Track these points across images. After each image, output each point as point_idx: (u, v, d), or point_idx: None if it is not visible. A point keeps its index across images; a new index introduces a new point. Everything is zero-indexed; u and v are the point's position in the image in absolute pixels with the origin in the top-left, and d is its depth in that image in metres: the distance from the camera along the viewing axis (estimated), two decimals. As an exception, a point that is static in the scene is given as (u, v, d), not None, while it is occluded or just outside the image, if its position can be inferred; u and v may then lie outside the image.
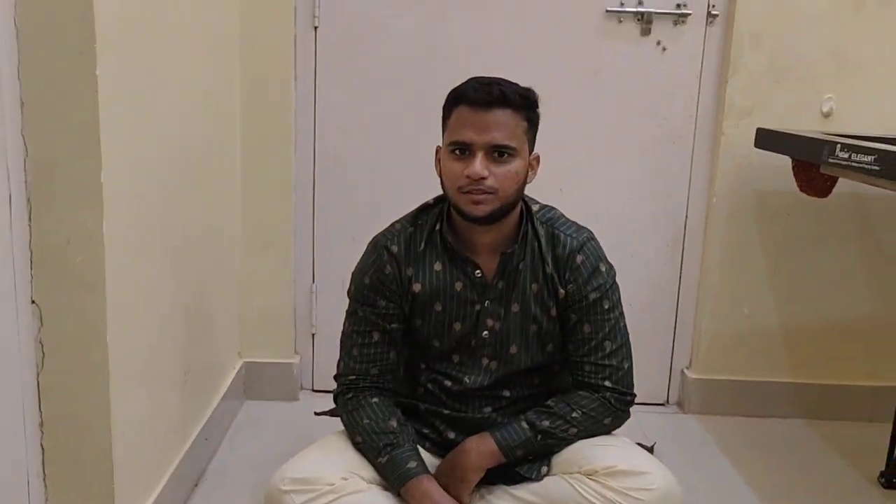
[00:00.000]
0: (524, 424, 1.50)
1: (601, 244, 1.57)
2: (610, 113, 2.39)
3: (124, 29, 1.40)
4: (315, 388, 2.54)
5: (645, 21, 2.31)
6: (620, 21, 2.32)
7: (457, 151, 1.44)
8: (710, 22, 2.33)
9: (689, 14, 2.31)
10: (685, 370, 2.56)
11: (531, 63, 2.30)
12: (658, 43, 2.33)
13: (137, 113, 1.49)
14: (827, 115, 2.33)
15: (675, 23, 2.32)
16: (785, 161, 2.18)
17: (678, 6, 2.31)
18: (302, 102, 2.37)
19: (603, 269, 1.54)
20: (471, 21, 2.33)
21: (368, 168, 2.41)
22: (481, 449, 1.49)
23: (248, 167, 2.34)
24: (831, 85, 2.32)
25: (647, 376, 2.49)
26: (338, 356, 1.61)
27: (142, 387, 1.58)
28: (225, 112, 2.19)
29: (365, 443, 1.50)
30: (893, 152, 1.59)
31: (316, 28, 2.33)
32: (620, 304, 1.57)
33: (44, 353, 1.34)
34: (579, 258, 1.53)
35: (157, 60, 1.61)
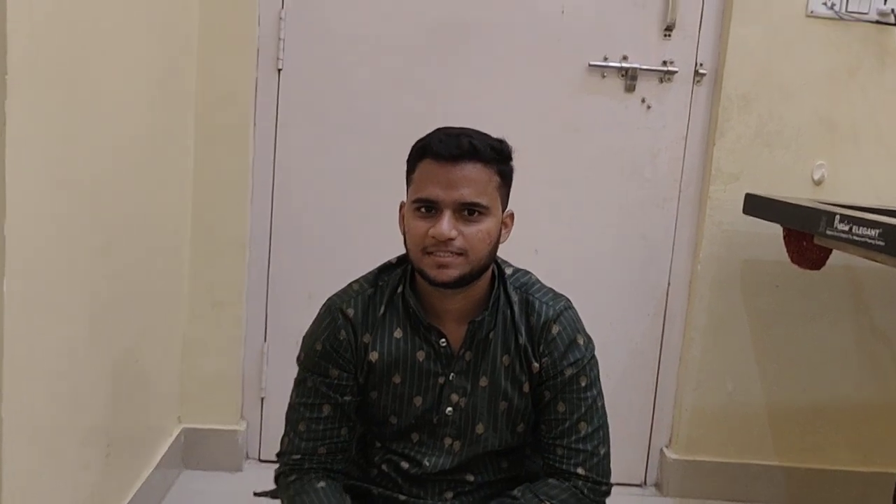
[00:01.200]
0: None
1: (576, 307, 1.44)
2: (591, 172, 2.29)
3: (46, 60, 1.27)
4: (262, 458, 2.38)
5: (629, 77, 2.22)
6: (604, 76, 2.23)
7: (422, 209, 1.31)
8: (698, 81, 2.25)
9: (676, 72, 2.23)
10: (664, 449, 2.43)
11: (508, 117, 2.19)
12: (643, 100, 2.24)
13: (56, 155, 1.35)
14: (818, 183, 2.25)
15: (661, 80, 2.24)
16: (774, 229, 2.09)
17: (664, 63, 2.23)
18: (261, 151, 2.25)
19: (581, 341, 1.41)
20: (445, 71, 2.23)
21: (330, 223, 2.28)
22: (438, 544, 1.33)
23: (199, 221, 2.22)
24: (822, 151, 2.25)
25: (623, 455, 2.37)
26: (288, 423, 1.46)
27: (46, 464, 1.41)
28: (174, 159, 2.07)
29: (307, 534, 1.33)
30: (901, 225, 1.46)
31: (280, 71, 2.22)
32: (599, 381, 1.44)
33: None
34: (555, 329, 1.40)
35: (88, 99, 1.48)
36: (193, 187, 2.19)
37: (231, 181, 2.21)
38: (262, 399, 2.36)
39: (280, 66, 2.20)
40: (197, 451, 2.29)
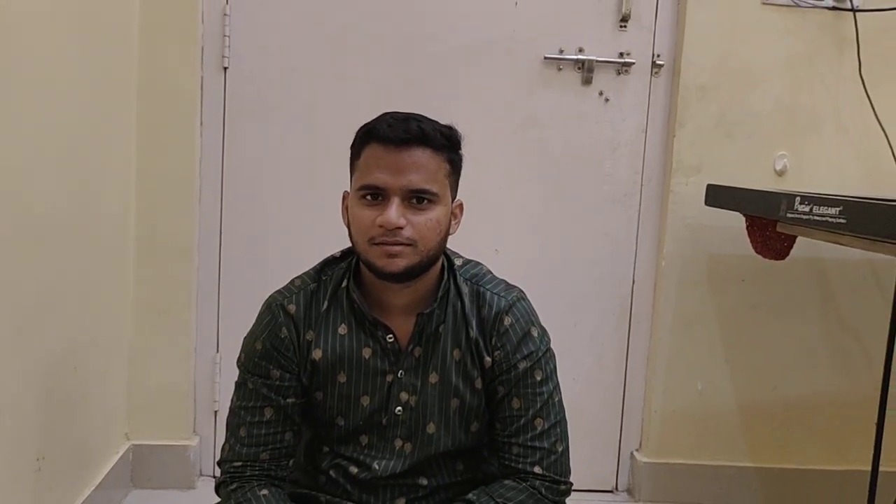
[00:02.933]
0: None
1: (538, 310, 1.38)
2: (549, 168, 2.24)
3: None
4: (216, 475, 2.25)
5: (586, 70, 2.18)
6: (560, 69, 2.19)
7: (368, 197, 1.25)
8: (655, 72, 2.22)
9: (633, 63, 2.20)
10: (635, 453, 2.38)
11: (462, 112, 2.11)
12: (600, 93, 2.20)
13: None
14: (781, 174, 2.22)
15: (619, 72, 2.20)
16: (738, 222, 2.06)
17: (621, 55, 2.19)
18: (208, 151, 2.18)
19: (535, 333, 1.35)
20: (395, 65, 2.18)
21: (284, 223, 2.22)
22: (389, 554, 1.25)
23: (143, 223, 2.15)
24: (784, 141, 2.23)
25: (592, 460, 2.36)
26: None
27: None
28: (114, 159, 2.00)
29: (249, 545, 1.26)
30: (862, 202, 1.43)
31: (226, 69, 2.16)
32: (556, 375, 1.38)
33: None
34: (507, 320, 1.34)
35: (11, 92, 1.40)
36: (136, 189, 2.12)
37: (177, 182, 2.14)
38: (216, 412, 2.28)
39: (226, 65, 2.15)
40: (146, 468, 2.21)
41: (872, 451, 1.89)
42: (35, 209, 1.57)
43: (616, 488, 2.40)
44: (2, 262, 1.42)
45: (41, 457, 1.61)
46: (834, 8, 2.16)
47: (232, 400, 1.37)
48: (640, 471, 2.33)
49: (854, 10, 2.14)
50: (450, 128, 1.28)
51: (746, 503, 2.34)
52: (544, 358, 1.34)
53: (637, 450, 2.38)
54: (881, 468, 1.87)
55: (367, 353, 1.32)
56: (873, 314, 2.28)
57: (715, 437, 2.33)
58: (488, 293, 1.34)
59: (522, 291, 1.38)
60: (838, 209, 1.47)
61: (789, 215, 1.64)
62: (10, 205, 1.46)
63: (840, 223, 1.46)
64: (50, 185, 1.63)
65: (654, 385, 2.31)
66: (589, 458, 2.33)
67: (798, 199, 1.61)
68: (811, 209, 1.55)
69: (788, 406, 2.33)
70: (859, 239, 1.54)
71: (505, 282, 1.38)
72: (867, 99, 2.16)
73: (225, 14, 2.13)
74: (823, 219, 1.51)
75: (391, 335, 1.31)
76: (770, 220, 1.89)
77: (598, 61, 2.18)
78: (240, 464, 1.33)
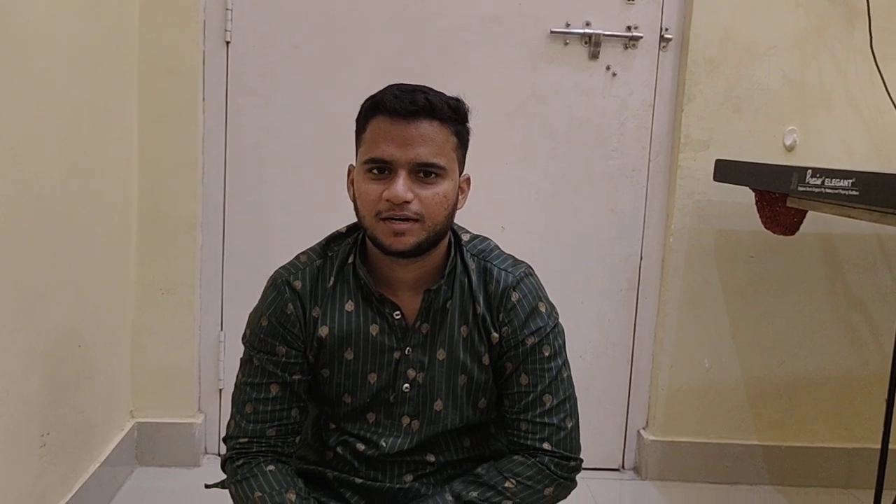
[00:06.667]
0: (448, 497, 1.27)
1: (545, 286, 1.36)
2: (556, 143, 2.21)
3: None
4: (221, 453, 2.26)
5: (593, 44, 2.15)
6: (566, 43, 2.16)
7: (374, 171, 1.22)
8: (664, 46, 2.18)
9: (641, 37, 2.16)
10: (641, 431, 2.36)
11: (468, 88, 2.06)
12: (608, 68, 2.17)
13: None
14: (790, 149, 2.19)
15: (626, 46, 2.17)
16: (747, 198, 2.04)
17: (629, 28, 2.16)
18: (211, 129, 2.16)
19: (543, 309, 1.33)
20: (400, 41, 2.15)
21: (287, 201, 2.19)
22: (398, 529, 1.25)
23: (146, 201, 2.12)
24: (793, 116, 2.20)
25: (599, 438, 2.35)
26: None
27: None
28: (115, 135, 1.97)
29: (256, 521, 1.24)
30: (874, 174, 1.40)
31: (228, 44, 2.12)
32: (564, 351, 1.36)
33: None
34: (515, 296, 1.31)
35: (19, 75, 1.40)
36: (139, 166, 2.10)
37: (180, 159, 2.12)
38: (220, 391, 2.27)
39: (228, 39, 2.12)
40: (151, 446, 2.20)
41: (882, 429, 1.87)
42: (37, 188, 1.55)
43: (623, 466, 2.39)
44: (5, 240, 1.40)
45: (46, 433, 1.60)
46: (845, -20, 2.13)
47: (237, 376, 1.35)
48: (647, 449, 2.32)
49: (866, -17, 2.11)
50: (457, 100, 1.25)
51: (753, 481, 2.33)
52: (552, 334, 1.32)
53: (643, 428, 2.37)
54: (890, 446, 1.85)
55: (374, 330, 1.30)
56: (882, 290, 2.26)
57: (722, 414, 2.32)
58: (496, 269, 1.32)
59: (530, 267, 1.36)
60: (851, 181, 1.45)
61: (800, 189, 1.62)
62: (11, 183, 1.45)
63: (852, 195, 1.44)
64: (51, 163, 1.61)
65: (660, 362, 2.30)
66: (595, 436, 2.32)
67: (809, 171, 1.59)
68: (823, 182, 1.53)
69: (796, 383, 2.31)
70: (871, 212, 1.52)
71: (513, 257, 1.36)
72: (878, 73, 2.13)
73: (227, -13, 2.10)
74: (836, 191, 1.49)
75: (398, 312, 1.29)
76: (780, 195, 1.87)
77: (605, 35, 2.15)
78: (246, 440, 1.32)
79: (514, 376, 1.31)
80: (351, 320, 1.30)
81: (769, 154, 2.18)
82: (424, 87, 1.24)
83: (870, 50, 2.13)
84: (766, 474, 2.33)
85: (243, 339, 1.35)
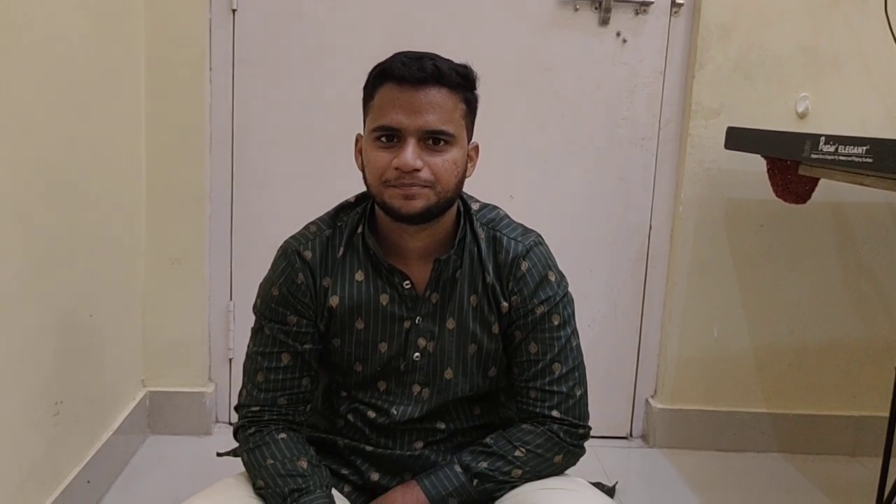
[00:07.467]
0: (457, 468, 1.28)
1: (554, 254, 1.36)
2: (565, 111, 2.20)
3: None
4: (232, 422, 2.28)
5: (603, 10, 2.13)
6: (576, 9, 2.14)
7: (383, 138, 1.21)
8: (675, 12, 2.16)
9: (652, 3, 2.14)
10: (650, 399, 2.37)
11: (476, 55, 2.00)
12: (618, 34, 2.15)
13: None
14: (802, 116, 2.17)
15: (637, 12, 2.14)
16: (758, 167, 2.02)
17: (640, -7, 2.13)
18: (218, 98, 2.15)
19: (552, 278, 1.32)
20: (408, 8, 2.13)
21: (296, 169, 2.19)
22: (406, 500, 1.26)
23: (154, 170, 2.12)
24: (806, 82, 2.18)
25: (607, 406, 2.36)
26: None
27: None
28: (123, 103, 1.96)
29: (268, 488, 1.26)
30: (889, 141, 1.38)
31: (234, 11, 2.11)
32: (573, 320, 1.35)
33: None
34: (524, 265, 1.31)
35: (26, 44, 1.39)
36: (147, 134, 2.09)
37: (187, 128, 2.11)
38: (231, 360, 2.29)
39: (234, 7, 2.10)
40: (163, 414, 2.22)
41: (890, 397, 1.87)
42: (45, 158, 1.55)
43: (631, 434, 2.40)
44: (15, 210, 1.40)
45: (59, 401, 1.61)
46: (861, -57, 2.09)
47: (248, 345, 1.35)
48: (655, 417, 2.33)
49: (881, -55, 2.07)
50: (465, 66, 1.24)
51: (761, 449, 2.34)
52: (562, 302, 1.32)
53: (652, 396, 2.38)
54: (899, 413, 1.86)
55: (384, 299, 1.30)
56: (893, 260, 2.25)
57: (730, 383, 2.32)
58: (505, 238, 1.31)
59: (540, 236, 1.35)
60: (865, 148, 1.43)
61: (813, 156, 1.60)
62: (20, 154, 1.44)
63: (866, 162, 1.42)
64: (60, 133, 1.60)
65: (669, 331, 2.30)
66: (604, 405, 2.33)
67: (823, 139, 1.57)
68: (836, 149, 1.52)
69: (804, 352, 2.31)
70: (884, 179, 1.50)
71: (522, 226, 1.35)
72: (893, 38, 2.10)
73: (233, -46, 2.08)
74: (849, 158, 1.47)
75: (408, 281, 1.29)
76: (792, 163, 1.85)
77: (615, 1, 2.12)
78: (257, 408, 1.32)
79: (524, 345, 1.31)
80: (361, 290, 1.30)
81: (781, 122, 2.16)
82: (432, 54, 1.23)
83: (884, 14, 2.10)
84: (774, 442, 2.34)
85: (254, 308, 1.35)
